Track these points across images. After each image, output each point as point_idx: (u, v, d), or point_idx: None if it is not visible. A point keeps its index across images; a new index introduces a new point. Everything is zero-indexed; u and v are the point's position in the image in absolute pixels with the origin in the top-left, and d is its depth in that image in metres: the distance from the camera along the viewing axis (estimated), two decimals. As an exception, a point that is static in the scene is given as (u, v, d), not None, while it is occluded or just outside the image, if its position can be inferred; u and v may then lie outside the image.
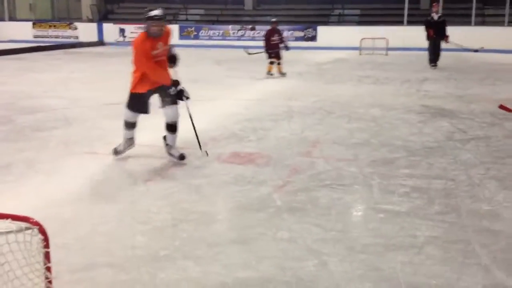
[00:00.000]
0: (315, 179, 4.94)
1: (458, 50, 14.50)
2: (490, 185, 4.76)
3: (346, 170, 5.22)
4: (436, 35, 14.13)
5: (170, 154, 5.56)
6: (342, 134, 6.80)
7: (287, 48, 12.62)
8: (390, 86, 11.25)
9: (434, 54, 14.52)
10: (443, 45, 14.39)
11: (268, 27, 13.18)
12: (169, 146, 5.61)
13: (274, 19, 12.91)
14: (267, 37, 12.54)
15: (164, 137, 5.66)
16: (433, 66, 14.50)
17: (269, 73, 12.51)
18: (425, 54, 14.96)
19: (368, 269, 3.20)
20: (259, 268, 3.23)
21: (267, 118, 7.79)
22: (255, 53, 13.54)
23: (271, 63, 12.50)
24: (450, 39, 14.19)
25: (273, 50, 12.43)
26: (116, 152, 5.61)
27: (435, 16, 14.33)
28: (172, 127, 5.55)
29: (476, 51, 16.45)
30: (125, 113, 5.58)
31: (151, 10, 5.26)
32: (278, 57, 12.53)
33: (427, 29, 14.25)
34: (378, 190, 4.62)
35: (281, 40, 12.57)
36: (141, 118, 5.67)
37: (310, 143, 6.34)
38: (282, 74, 12.57)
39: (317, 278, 3.11)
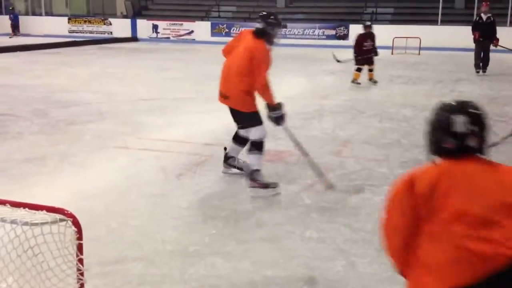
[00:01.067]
0: (345, 178, 4.92)
1: (492, 51, 13.98)
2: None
3: (376, 170, 5.18)
4: (484, 37, 12.70)
5: (253, 181, 4.57)
6: (373, 133, 6.74)
7: (376, 53, 11.08)
8: (423, 86, 11.09)
9: (480, 59, 13.07)
10: (492, 48, 12.99)
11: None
12: (245, 166, 4.81)
13: (368, 23, 11.38)
14: (359, 42, 10.90)
15: (225, 148, 5.06)
16: (478, 72, 13.02)
17: (355, 81, 10.93)
18: (459, 55, 14.67)
19: (397, 271, 3.17)
20: (288, 267, 3.23)
21: (298, 116, 7.77)
22: (344, 61, 11.63)
23: (359, 70, 10.94)
24: (500, 42, 12.74)
25: (365, 56, 10.88)
26: (266, 186, 4.55)
27: (484, 17, 12.95)
28: (258, 145, 4.66)
29: None
30: (259, 134, 4.67)
31: (269, 13, 4.58)
32: (370, 62, 11.02)
33: (474, 31, 12.95)
34: (408, 192, 4.56)
35: (374, 46, 10.97)
36: (173, 115, 5.72)
37: (341, 142, 6.31)
38: (374, 82, 11.12)
39: (345, 279, 3.10)
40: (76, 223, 2.32)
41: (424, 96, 9.79)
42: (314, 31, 22.35)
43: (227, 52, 4.88)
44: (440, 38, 19.49)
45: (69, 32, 25.61)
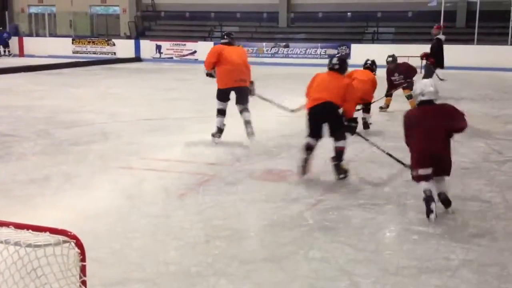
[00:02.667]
0: (348, 198, 4.92)
1: (494, 69, 14.03)
2: (528, 208, 4.65)
3: (380, 189, 5.17)
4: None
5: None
6: (377, 152, 6.73)
7: (408, 86, 9.78)
8: (425, 104, 11.08)
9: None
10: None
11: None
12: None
13: (389, 59, 10.42)
14: (388, 76, 10.21)
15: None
16: None
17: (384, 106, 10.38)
18: (461, 73, 14.77)
19: (401, 292, 3.16)
20: (291, 287, 3.22)
21: (302, 134, 7.77)
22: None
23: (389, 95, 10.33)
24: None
25: (392, 91, 10.27)
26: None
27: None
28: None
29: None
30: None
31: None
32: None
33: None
34: (412, 211, 4.56)
35: (405, 79, 10.00)
36: (176, 135, 5.73)
37: (344, 161, 6.30)
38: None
39: (349, 299, 3.08)
40: (79, 244, 2.32)
41: (426, 114, 9.78)
42: (316, 50, 22.46)
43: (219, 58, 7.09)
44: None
45: (73, 52, 25.80)
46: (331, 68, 5.67)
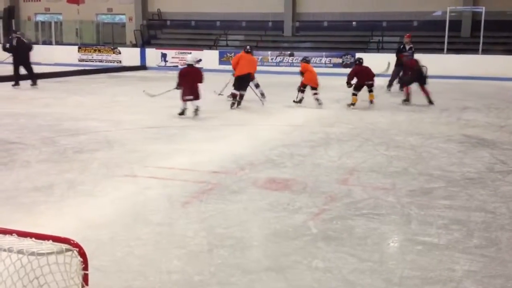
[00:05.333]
0: (352, 207, 4.90)
1: (499, 79, 14.24)
2: (533, 219, 4.63)
3: (383, 199, 5.16)
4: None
5: None
6: (379, 162, 6.74)
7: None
8: (429, 114, 11.11)
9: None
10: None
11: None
12: None
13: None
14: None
15: None
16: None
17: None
18: (465, 83, 14.84)
19: (404, 302, 3.14)
20: (293, 297, 3.21)
21: (304, 144, 7.79)
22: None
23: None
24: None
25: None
26: None
27: (407, 46, 15.70)
28: None
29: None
30: None
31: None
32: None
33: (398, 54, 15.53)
34: (416, 221, 4.55)
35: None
36: (180, 143, 5.74)
37: (347, 170, 6.31)
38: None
39: (352, 310, 3.07)
40: (82, 253, 2.33)
41: (430, 124, 9.80)
42: (321, 59, 22.49)
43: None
44: (446, 66, 19.55)
45: (79, 60, 25.91)
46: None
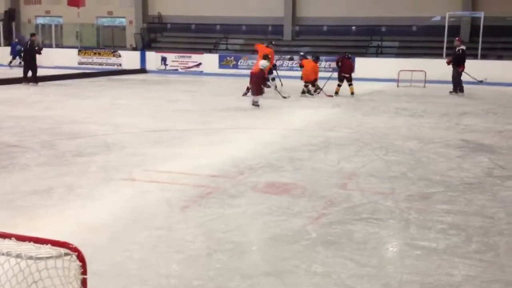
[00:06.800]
0: (351, 212, 4.91)
1: (498, 84, 14.41)
2: (532, 224, 4.63)
3: (382, 204, 5.16)
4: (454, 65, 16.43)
5: None
6: (379, 166, 6.74)
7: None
8: (428, 119, 11.12)
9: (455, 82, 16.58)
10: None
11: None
12: None
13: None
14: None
15: None
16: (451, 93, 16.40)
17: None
18: (465, 88, 15.01)
19: (403, 308, 3.14)
20: (292, 301, 3.21)
21: (304, 148, 7.80)
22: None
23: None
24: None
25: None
26: None
27: (457, 49, 16.64)
28: None
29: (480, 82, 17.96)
30: None
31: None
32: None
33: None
34: (414, 226, 4.55)
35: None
36: (179, 147, 5.75)
37: (346, 175, 6.31)
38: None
39: (350, 315, 3.06)
40: (80, 257, 2.32)
41: (430, 129, 9.81)
42: (320, 63, 22.49)
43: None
44: (445, 71, 19.57)
45: (79, 64, 25.94)
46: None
